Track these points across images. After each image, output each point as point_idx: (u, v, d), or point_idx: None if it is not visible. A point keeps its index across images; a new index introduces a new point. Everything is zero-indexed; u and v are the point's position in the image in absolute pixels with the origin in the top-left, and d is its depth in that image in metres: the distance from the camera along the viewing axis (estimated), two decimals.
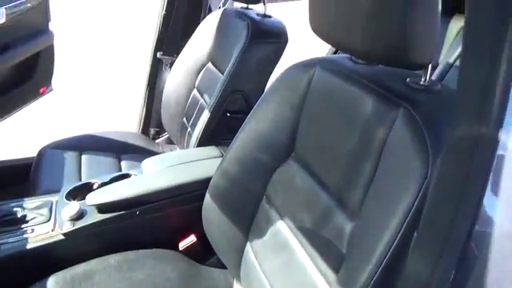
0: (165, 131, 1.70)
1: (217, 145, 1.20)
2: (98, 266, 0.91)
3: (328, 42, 0.66)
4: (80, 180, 1.32)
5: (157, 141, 1.74)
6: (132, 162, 1.49)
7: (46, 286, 0.85)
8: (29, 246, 0.90)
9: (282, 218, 0.79)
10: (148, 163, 1.13)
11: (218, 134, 1.25)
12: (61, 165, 1.39)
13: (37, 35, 1.98)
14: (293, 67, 0.80)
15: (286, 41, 1.23)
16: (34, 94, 2.12)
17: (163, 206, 0.99)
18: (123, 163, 1.47)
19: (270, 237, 0.79)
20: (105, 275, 0.89)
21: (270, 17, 1.27)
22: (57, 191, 1.20)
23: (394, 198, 0.52)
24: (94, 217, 0.95)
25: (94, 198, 0.97)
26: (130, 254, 0.95)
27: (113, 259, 0.93)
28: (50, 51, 2.10)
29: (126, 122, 2.23)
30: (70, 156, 1.45)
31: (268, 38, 1.22)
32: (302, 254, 0.69)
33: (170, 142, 1.68)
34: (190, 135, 1.37)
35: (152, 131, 1.75)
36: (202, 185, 0.97)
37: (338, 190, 0.65)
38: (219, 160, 1.08)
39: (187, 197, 1.01)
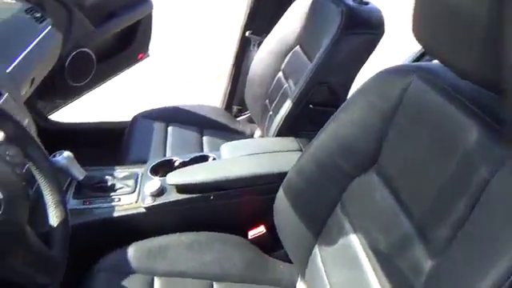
0: (247, 110, 1.71)
1: (296, 136, 1.18)
2: (172, 241, 0.97)
3: (435, 56, 0.58)
4: (165, 152, 1.41)
5: (238, 119, 1.76)
6: (213, 138, 1.54)
7: (127, 252, 0.93)
8: (115, 214, 0.99)
9: (354, 231, 0.75)
10: (227, 148, 1.15)
11: (299, 124, 1.23)
12: (149, 135, 1.48)
13: (138, 4, 2.09)
14: (385, 72, 0.74)
15: (382, 32, 1.13)
16: (133, 60, 2.28)
17: (237, 194, 1.01)
18: (205, 139, 1.52)
19: (340, 247, 0.77)
20: (177, 252, 0.95)
21: (367, 3, 1.18)
22: (144, 162, 1.29)
23: (496, 247, 0.46)
24: (172, 195, 1.01)
25: (174, 177, 1.02)
26: (202, 235, 0.99)
27: (186, 237, 0.98)
28: (148, 19, 2.21)
29: (212, 97, 2.30)
30: (158, 126, 1.54)
31: (363, 29, 1.13)
32: (371, 278, 0.66)
33: (250, 121, 1.70)
34: (272, 119, 1.37)
35: (235, 109, 1.78)
36: (278, 178, 0.96)
37: (423, 220, 0.59)
38: (297, 154, 1.06)
39: (262, 188, 1.01)
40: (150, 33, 2.23)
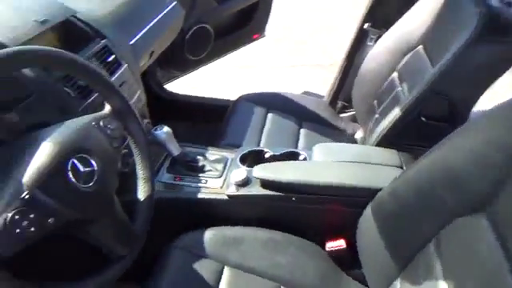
0: (352, 107, 1.61)
1: (399, 148, 1.06)
2: (247, 234, 0.96)
3: None
4: (260, 139, 1.40)
5: (341, 115, 1.67)
6: (311, 132, 1.48)
7: (203, 235, 0.95)
8: (199, 196, 1.02)
9: (446, 276, 0.65)
10: (320, 149, 1.09)
11: (405, 135, 1.10)
12: (248, 119, 1.49)
13: None
14: None
15: None
16: (248, 39, 2.31)
17: (321, 201, 0.96)
18: (302, 131, 1.48)
19: None
20: (251, 247, 0.94)
21: None
22: (237, 146, 1.30)
23: None
24: (255, 188, 0.99)
25: (261, 171, 1.00)
26: (278, 235, 0.96)
27: (262, 233, 0.96)
28: (268, 0, 2.20)
29: (321, 85, 2.23)
30: (258, 112, 1.53)
31: (504, 36, 0.94)
32: None
33: (354, 119, 1.60)
34: (377, 123, 1.25)
35: (339, 104, 1.69)
36: (368, 193, 0.88)
37: None
38: (395, 171, 0.95)
39: (349, 200, 0.94)
40: (269, 13, 2.22)
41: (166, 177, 1.08)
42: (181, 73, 2.06)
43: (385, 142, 1.14)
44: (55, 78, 0.87)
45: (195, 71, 2.07)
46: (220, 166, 1.10)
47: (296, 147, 1.38)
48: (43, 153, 0.61)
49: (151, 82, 1.89)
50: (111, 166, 0.71)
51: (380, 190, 0.84)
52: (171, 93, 1.98)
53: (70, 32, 1.04)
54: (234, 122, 1.49)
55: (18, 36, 0.85)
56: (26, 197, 0.57)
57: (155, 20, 1.39)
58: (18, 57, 0.62)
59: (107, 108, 0.78)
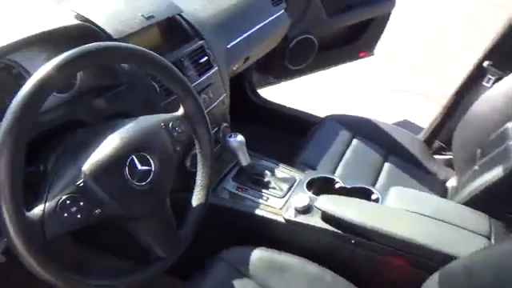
0: (450, 151, 1.43)
1: (492, 214, 0.90)
2: (296, 265, 0.91)
3: None
4: (337, 165, 1.32)
5: (436, 157, 1.50)
6: (396, 168, 1.36)
7: (251, 253, 0.92)
8: (257, 212, 0.99)
9: None
10: (397, 193, 0.98)
11: (504, 201, 0.94)
12: (330, 141, 1.42)
13: (379, 1, 1.98)
14: None
15: None
16: (354, 57, 2.22)
17: (383, 252, 0.86)
18: (386, 166, 1.36)
19: None
20: (296, 278, 0.88)
21: None
22: (311, 167, 1.25)
23: None
24: (314, 219, 0.93)
25: (325, 202, 0.93)
26: (328, 275, 0.89)
27: (311, 268, 0.90)
28: (384, 19, 2.08)
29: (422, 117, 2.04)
30: (343, 135, 1.45)
31: None
32: None
33: (449, 165, 1.42)
34: (474, 176, 1.09)
35: (436, 144, 1.52)
36: (439, 257, 0.77)
37: None
38: (479, 240, 0.82)
39: (415, 259, 0.83)
40: (382, 32, 2.11)
41: (230, 184, 1.07)
42: (277, 80, 2.06)
43: (477, 201, 0.98)
44: (146, 72, 0.91)
45: (292, 80, 2.05)
46: (285, 186, 1.06)
47: (374, 182, 1.27)
48: (107, 146, 0.64)
49: (245, 83, 1.92)
50: (168, 168, 0.72)
51: (455, 258, 0.73)
52: (263, 98, 1.99)
53: (173, 29, 1.09)
54: (315, 142, 1.43)
55: (123, 29, 0.91)
56: (81, 184, 0.60)
57: (258, 27, 1.40)
58: (112, 52, 0.66)
59: (181, 110, 0.79)
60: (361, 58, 2.21)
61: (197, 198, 0.81)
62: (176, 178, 1.00)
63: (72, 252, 1.29)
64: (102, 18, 0.90)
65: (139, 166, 0.66)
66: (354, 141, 1.44)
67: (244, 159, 1.06)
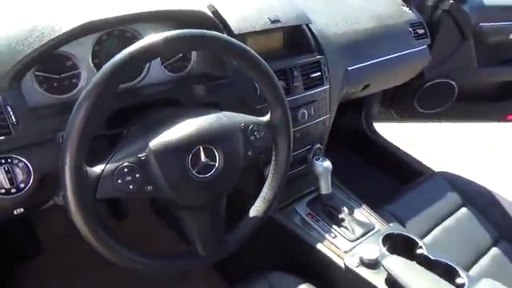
0: None
1: None
2: None
3: None
4: (431, 229, 1.15)
5: None
6: (505, 258, 1.12)
7: (297, 286, 0.85)
8: (318, 246, 0.91)
9: None
10: (489, 285, 0.80)
11: None
12: (434, 199, 1.24)
13: None
14: None
15: None
16: (499, 117, 1.94)
17: None
18: (493, 251, 1.13)
19: None
20: None
21: None
22: (399, 221, 1.11)
23: None
24: (376, 278, 0.82)
25: (396, 265, 0.81)
26: None
27: None
28: None
29: None
30: (451, 198, 1.26)
31: None
32: None
33: None
34: None
35: None
36: None
37: None
38: None
39: None
40: None
41: (302, 208, 1.01)
42: (399, 119, 1.90)
43: None
44: None
45: (416, 123, 1.88)
46: (359, 231, 0.95)
47: (470, 266, 1.06)
48: (180, 129, 0.65)
49: (362, 111, 1.81)
50: (233, 169, 0.69)
51: None
52: (376, 131, 1.86)
53: (295, 37, 1.07)
54: (416, 194, 1.27)
55: (245, 26, 0.92)
56: (143, 158, 0.61)
57: (389, 56, 1.30)
58: (221, 45, 0.66)
59: (266, 117, 0.76)
60: (507, 121, 1.91)
61: (255, 209, 0.77)
62: (249, 184, 1.00)
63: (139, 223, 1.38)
64: (229, 12, 0.92)
65: (203, 158, 0.65)
66: (463, 209, 1.23)
67: (325, 187, 0.99)
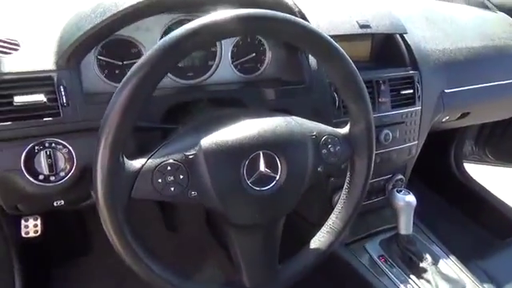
0: None
1: None
2: None
3: None
4: None
5: None
6: None
7: None
8: None
9: None
10: None
11: None
12: None
13: None
14: None
15: None
16: None
17: None
18: None
19: None
20: None
21: None
22: (495, 283, 0.89)
23: None
24: None
25: None
26: None
27: None
28: None
29: None
30: None
31: None
32: None
33: None
34: None
35: None
36: None
37: None
38: None
39: None
40: None
41: (374, 247, 0.85)
42: (494, 161, 1.63)
43: None
44: (330, 81, 0.79)
45: None
46: (444, 286, 0.76)
47: None
48: (239, 129, 0.54)
49: (453, 147, 1.57)
50: (296, 185, 0.56)
51: None
52: (467, 174, 1.60)
53: (387, 47, 0.93)
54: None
55: (328, 27, 0.81)
56: (191, 156, 0.51)
57: (498, 83, 1.09)
58: (297, 31, 0.55)
59: (345, 129, 0.63)
60: None
61: (318, 240, 0.63)
62: (312, 210, 0.86)
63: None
64: (313, 12, 0.81)
65: (262, 167, 0.53)
66: None
67: (405, 226, 0.82)
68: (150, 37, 0.73)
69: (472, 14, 1.23)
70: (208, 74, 0.80)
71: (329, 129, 0.61)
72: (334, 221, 0.63)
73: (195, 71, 0.79)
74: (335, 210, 0.64)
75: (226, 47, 0.81)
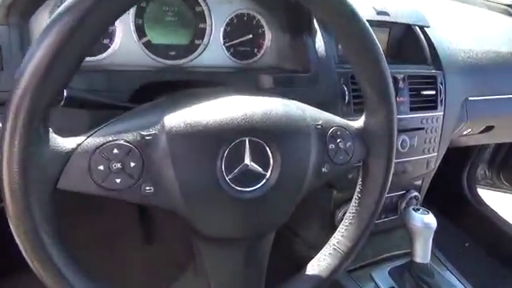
0: None
1: None
2: None
3: None
4: None
5: None
6: None
7: None
8: None
9: None
10: None
11: None
12: None
13: None
14: None
15: None
16: None
17: None
18: None
19: None
20: None
21: None
22: None
23: None
24: None
25: None
26: None
27: None
28: None
29: None
30: None
31: None
32: None
33: None
34: None
35: None
36: None
37: None
38: None
39: None
40: None
41: (381, 276, 0.71)
42: (509, 188, 1.49)
43: None
44: (339, 71, 0.66)
45: None
46: None
47: None
48: (217, 108, 0.40)
49: (466, 169, 1.43)
50: (293, 192, 0.42)
51: None
52: (480, 199, 1.45)
53: (406, 43, 0.81)
54: None
55: None
56: (148, 137, 0.37)
57: None
58: None
59: (360, 121, 0.49)
60: None
61: (317, 264, 0.48)
62: (310, 226, 0.71)
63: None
64: None
65: (247, 160, 0.39)
66: None
67: (422, 252, 0.67)
68: None
69: (497, 20, 1.11)
70: (194, 55, 0.67)
71: (338, 119, 0.47)
72: (338, 240, 0.49)
73: (178, 50, 0.66)
74: (341, 225, 0.50)
75: (218, 24, 0.67)
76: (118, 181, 0.35)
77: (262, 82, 0.63)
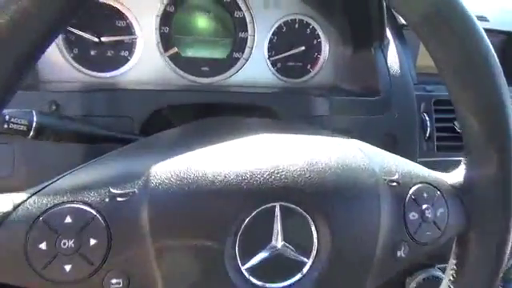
0: None
1: None
2: None
3: None
4: None
5: None
6: None
7: None
8: None
9: None
10: None
11: None
12: None
13: None
14: None
15: None
16: None
17: None
18: None
19: None
20: None
21: None
22: None
23: None
24: None
25: None
26: None
27: None
28: None
29: None
30: None
31: None
32: None
33: None
34: None
35: None
36: None
37: None
38: None
39: None
40: None
41: None
42: None
43: None
44: (417, 94, 0.50)
45: None
46: None
47: None
48: (247, 149, 0.26)
49: None
50: (351, 279, 0.26)
51: None
52: None
53: (506, 55, 0.62)
54: None
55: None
56: (120, 198, 0.23)
57: None
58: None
59: (459, 173, 0.32)
60: None
61: None
62: None
63: None
64: None
65: (278, 240, 0.24)
66: None
67: None
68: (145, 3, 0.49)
69: None
70: (231, 72, 0.54)
71: (425, 171, 0.31)
72: None
73: (212, 66, 0.54)
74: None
75: (262, 34, 0.54)
76: (67, 268, 0.22)
77: (315, 106, 0.48)
